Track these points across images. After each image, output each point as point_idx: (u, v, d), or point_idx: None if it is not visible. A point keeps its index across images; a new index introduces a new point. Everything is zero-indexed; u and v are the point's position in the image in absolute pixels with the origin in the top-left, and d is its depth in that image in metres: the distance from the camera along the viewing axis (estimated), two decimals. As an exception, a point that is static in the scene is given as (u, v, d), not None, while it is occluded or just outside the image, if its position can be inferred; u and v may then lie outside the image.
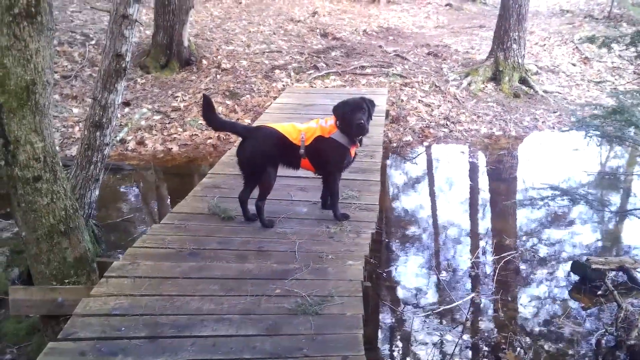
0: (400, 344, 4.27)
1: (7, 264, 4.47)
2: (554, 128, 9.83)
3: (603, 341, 4.24)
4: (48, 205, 3.79)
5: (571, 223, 6.39)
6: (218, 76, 10.86)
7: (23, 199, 3.72)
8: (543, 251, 5.69)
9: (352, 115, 4.10)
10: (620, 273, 4.99)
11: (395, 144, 8.86)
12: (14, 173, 3.65)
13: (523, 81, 11.27)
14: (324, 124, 4.24)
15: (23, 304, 3.87)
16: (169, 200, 7.11)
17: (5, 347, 3.80)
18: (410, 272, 5.28)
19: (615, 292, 4.56)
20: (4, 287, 4.13)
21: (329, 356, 2.86)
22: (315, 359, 2.83)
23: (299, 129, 4.21)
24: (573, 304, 4.74)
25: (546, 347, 4.17)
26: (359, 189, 5.06)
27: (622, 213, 6.33)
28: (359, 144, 4.35)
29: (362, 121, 4.12)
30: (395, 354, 4.20)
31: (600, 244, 5.99)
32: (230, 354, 2.86)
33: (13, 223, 4.68)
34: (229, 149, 6.93)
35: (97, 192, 4.92)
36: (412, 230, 6.21)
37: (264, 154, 4.15)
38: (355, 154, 4.40)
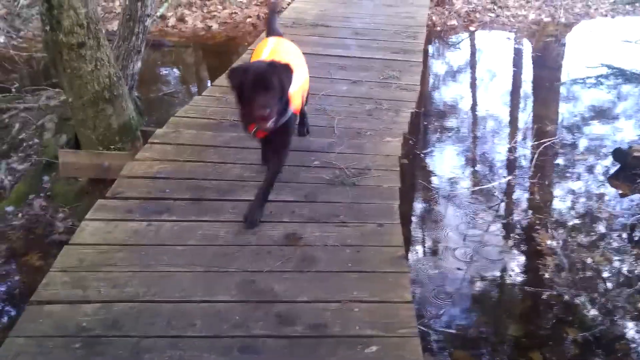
0: (433, 220, 4.34)
1: (56, 131, 4.61)
2: (606, 16, 9.33)
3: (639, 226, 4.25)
4: (92, 72, 3.85)
5: (616, 113, 6.22)
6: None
7: (68, 64, 3.78)
8: (585, 138, 5.59)
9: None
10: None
11: (439, 28, 8.57)
12: (59, 39, 3.69)
13: (579, -37, 10.57)
14: None
15: (72, 167, 4.07)
16: (208, 77, 7.13)
17: (57, 206, 4.00)
18: (447, 155, 5.27)
19: (655, 180, 4.52)
20: (54, 151, 4.28)
21: (365, 223, 2.95)
22: (352, 225, 2.93)
23: None
24: (611, 190, 4.71)
25: (580, 228, 4.20)
26: (399, 69, 4.99)
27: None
28: None
29: (267, 111, 2.61)
30: (427, 229, 4.28)
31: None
32: (270, 217, 2.98)
33: (60, 92, 4.78)
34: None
35: (139, 64, 4.93)
36: (452, 115, 6.11)
37: None
38: None
